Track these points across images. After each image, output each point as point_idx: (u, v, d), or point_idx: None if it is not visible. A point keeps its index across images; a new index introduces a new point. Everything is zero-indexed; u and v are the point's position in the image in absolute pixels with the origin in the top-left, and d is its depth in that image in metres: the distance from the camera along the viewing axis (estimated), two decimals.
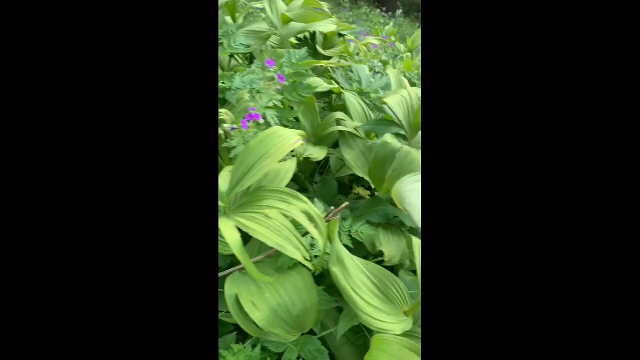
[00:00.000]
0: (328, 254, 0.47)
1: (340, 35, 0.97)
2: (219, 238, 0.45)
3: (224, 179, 0.48)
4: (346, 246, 0.63)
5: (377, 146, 0.60)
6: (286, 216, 0.42)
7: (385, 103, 0.63)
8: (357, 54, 1.40)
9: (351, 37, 1.05)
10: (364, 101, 0.86)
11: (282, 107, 0.62)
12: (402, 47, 1.93)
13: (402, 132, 0.68)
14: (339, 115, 0.76)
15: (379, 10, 5.16)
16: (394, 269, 0.71)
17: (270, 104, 0.59)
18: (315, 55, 0.91)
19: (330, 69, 0.95)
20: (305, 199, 0.45)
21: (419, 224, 0.37)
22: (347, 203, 0.48)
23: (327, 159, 0.92)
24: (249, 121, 0.53)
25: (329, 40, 0.95)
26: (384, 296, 0.50)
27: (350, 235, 0.63)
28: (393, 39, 1.93)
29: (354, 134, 0.73)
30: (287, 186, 0.81)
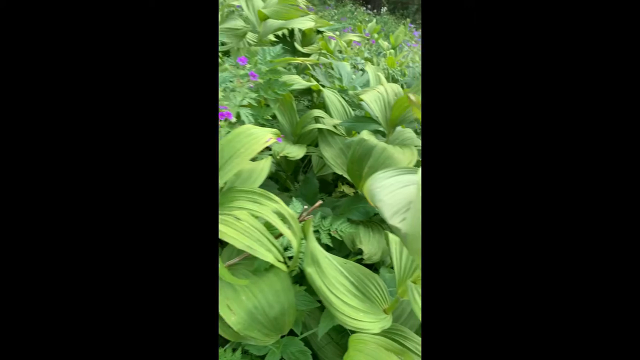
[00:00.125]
0: (303, 253, 0.47)
1: (319, 32, 0.96)
2: None
3: None
4: (326, 245, 0.62)
5: (354, 143, 0.59)
6: (257, 217, 0.41)
7: (361, 99, 0.62)
8: (340, 52, 1.39)
9: (331, 33, 1.04)
10: (344, 98, 0.85)
11: (256, 105, 0.61)
12: (385, 44, 1.93)
13: (381, 129, 0.68)
14: (317, 112, 0.75)
15: (364, 8, 5.17)
16: (375, 267, 0.71)
17: (245, 102, 0.57)
18: (294, 52, 0.90)
19: (310, 66, 0.94)
20: (277, 199, 0.44)
21: (390, 221, 0.36)
22: (320, 202, 0.47)
23: (310, 158, 0.91)
24: (220, 120, 0.52)
25: (307, 37, 0.94)
26: (362, 295, 0.49)
27: (330, 234, 0.63)
28: (376, 35, 1.93)
29: (332, 131, 0.73)
30: (268, 186, 0.80)
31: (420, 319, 0.38)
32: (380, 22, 4.36)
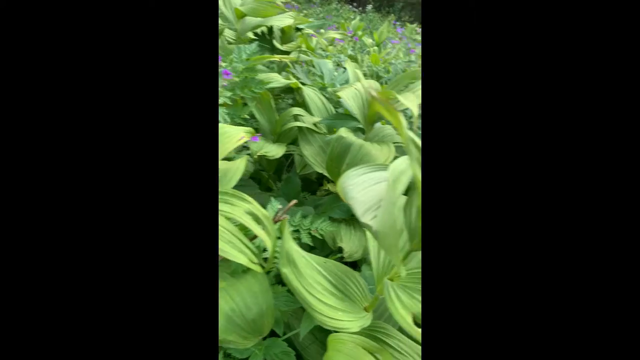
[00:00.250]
0: (278, 252, 0.46)
1: (298, 29, 0.95)
2: None
3: None
4: (306, 244, 0.62)
5: (332, 141, 0.59)
6: (230, 219, 0.40)
7: (339, 97, 0.61)
8: (324, 49, 1.38)
9: (310, 31, 1.03)
10: (324, 96, 0.85)
11: (232, 104, 0.60)
12: (369, 41, 1.93)
13: (360, 126, 0.67)
14: (297, 110, 0.74)
15: (349, 6, 5.16)
16: (357, 264, 0.71)
17: (220, 101, 0.56)
18: (273, 50, 0.89)
19: (290, 64, 0.93)
20: (250, 199, 0.43)
21: (362, 219, 0.36)
22: (295, 201, 0.46)
23: (292, 156, 0.90)
24: None
25: (287, 34, 0.93)
26: (342, 294, 0.49)
27: (310, 233, 0.62)
28: (360, 33, 1.93)
29: (312, 129, 0.72)
30: (249, 186, 0.79)
31: (396, 317, 0.37)
32: (365, 20, 4.36)
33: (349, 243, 0.63)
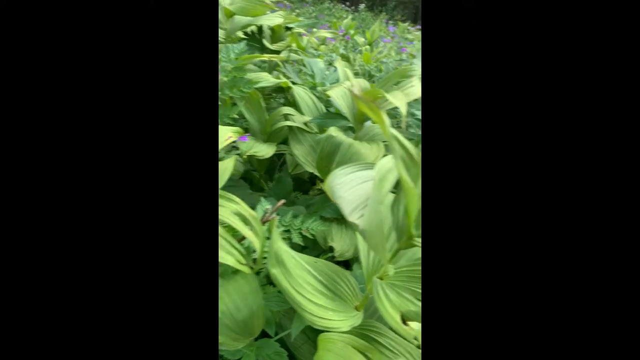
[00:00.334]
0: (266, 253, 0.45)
1: (288, 28, 0.95)
2: None
3: None
4: (296, 244, 0.62)
5: (322, 140, 0.59)
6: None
7: (328, 96, 0.61)
8: (316, 49, 1.38)
9: (301, 30, 1.03)
10: (315, 95, 0.85)
11: (220, 104, 0.59)
12: (361, 40, 1.93)
13: (350, 125, 0.67)
14: (287, 110, 0.73)
15: (342, 5, 5.16)
16: (349, 263, 0.71)
17: None
18: (262, 49, 0.88)
19: (280, 64, 0.92)
20: (237, 199, 0.43)
21: (349, 218, 0.36)
22: (283, 201, 0.46)
23: (284, 156, 0.90)
24: None
25: (276, 34, 0.93)
26: (332, 293, 0.49)
27: (301, 233, 0.62)
28: (352, 32, 1.93)
29: (302, 128, 0.72)
30: (240, 187, 0.79)
31: (384, 315, 0.37)
32: (358, 19, 4.36)
33: (340, 242, 0.62)
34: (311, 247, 0.72)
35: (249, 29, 0.90)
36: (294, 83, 0.87)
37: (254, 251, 0.52)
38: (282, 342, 0.58)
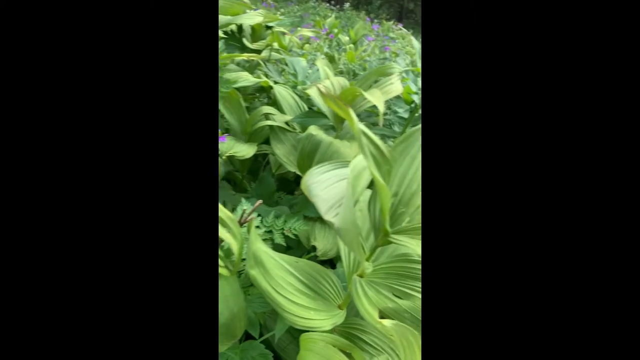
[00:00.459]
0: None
1: (269, 27, 0.94)
2: None
3: None
4: (280, 245, 0.61)
5: (302, 139, 0.58)
6: None
7: (308, 95, 0.61)
8: (300, 47, 1.37)
9: (281, 29, 1.02)
10: (297, 94, 0.84)
11: None
12: (346, 38, 1.93)
13: (331, 123, 0.67)
14: (267, 109, 0.73)
15: (327, 4, 5.16)
16: (333, 262, 0.71)
17: None
18: (243, 49, 0.87)
19: (261, 63, 0.91)
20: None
21: (325, 216, 0.36)
22: (260, 201, 0.46)
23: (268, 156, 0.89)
24: None
25: (257, 33, 0.92)
26: (314, 292, 0.49)
27: (283, 233, 0.61)
28: (336, 30, 1.93)
29: (284, 128, 0.71)
30: (222, 188, 0.78)
31: (362, 313, 0.37)
32: (343, 17, 4.37)
33: (322, 241, 0.62)
34: (295, 247, 0.72)
35: (228, 28, 0.89)
36: (275, 82, 0.87)
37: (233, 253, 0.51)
38: (268, 343, 0.57)
